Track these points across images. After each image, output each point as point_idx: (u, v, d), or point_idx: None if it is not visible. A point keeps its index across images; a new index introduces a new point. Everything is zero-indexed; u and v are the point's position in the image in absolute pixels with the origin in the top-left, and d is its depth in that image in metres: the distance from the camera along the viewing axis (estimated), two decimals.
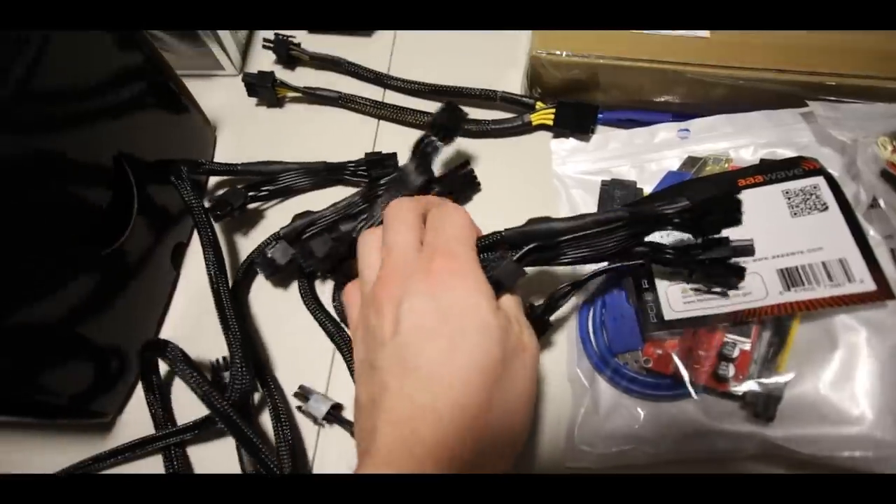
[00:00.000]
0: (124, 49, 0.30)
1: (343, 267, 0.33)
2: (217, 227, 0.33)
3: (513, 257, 0.24)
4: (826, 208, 0.27)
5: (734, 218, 0.24)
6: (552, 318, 0.30)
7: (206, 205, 0.33)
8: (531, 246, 0.25)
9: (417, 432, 0.19)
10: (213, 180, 0.38)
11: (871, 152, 0.28)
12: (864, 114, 0.30)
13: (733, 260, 0.26)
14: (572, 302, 0.30)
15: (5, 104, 0.22)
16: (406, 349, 0.21)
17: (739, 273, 0.26)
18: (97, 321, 0.28)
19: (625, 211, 0.24)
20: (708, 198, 0.24)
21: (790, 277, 0.26)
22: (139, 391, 0.31)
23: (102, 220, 0.28)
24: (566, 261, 0.25)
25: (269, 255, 0.32)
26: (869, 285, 0.25)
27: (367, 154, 0.35)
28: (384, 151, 0.35)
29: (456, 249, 0.23)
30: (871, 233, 0.27)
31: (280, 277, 0.34)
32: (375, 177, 0.35)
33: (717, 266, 0.26)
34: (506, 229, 0.25)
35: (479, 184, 0.36)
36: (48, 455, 0.30)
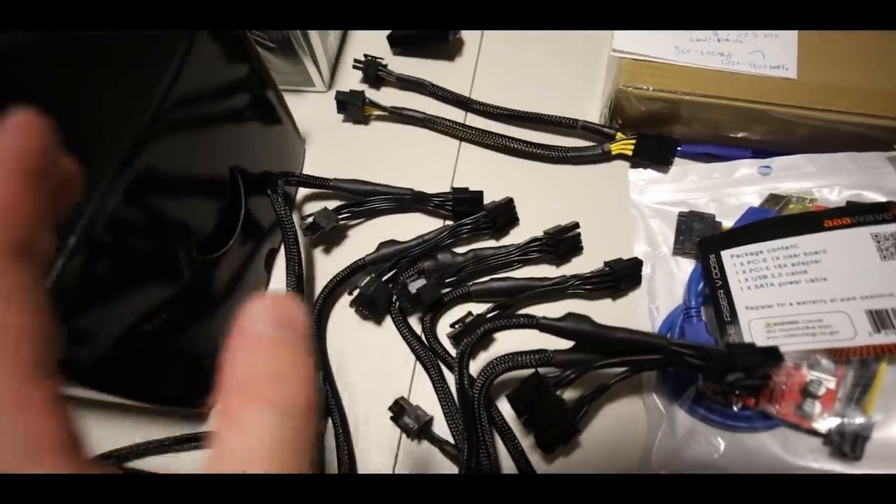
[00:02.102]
0: (232, 60, 0.30)
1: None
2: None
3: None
4: None
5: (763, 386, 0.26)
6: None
7: (297, 221, 0.35)
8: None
9: None
10: (301, 193, 0.40)
11: None
12: None
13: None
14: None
15: (164, 106, 0.24)
16: None
17: (763, 386, 0.27)
18: (203, 321, 0.30)
19: (662, 350, 0.26)
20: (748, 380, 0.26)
21: (880, 320, 0.27)
22: None
23: (217, 227, 0.30)
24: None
25: (415, 291, 0.32)
26: None
27: (454, 189, 0.36)
28: (471, 188, 0.36)
29: None
30: None
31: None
32: (460, 212, 0.36)
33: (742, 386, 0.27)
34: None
35: (517, 218, 0.37)
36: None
